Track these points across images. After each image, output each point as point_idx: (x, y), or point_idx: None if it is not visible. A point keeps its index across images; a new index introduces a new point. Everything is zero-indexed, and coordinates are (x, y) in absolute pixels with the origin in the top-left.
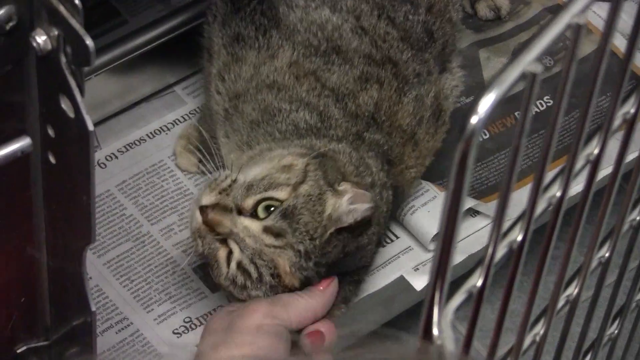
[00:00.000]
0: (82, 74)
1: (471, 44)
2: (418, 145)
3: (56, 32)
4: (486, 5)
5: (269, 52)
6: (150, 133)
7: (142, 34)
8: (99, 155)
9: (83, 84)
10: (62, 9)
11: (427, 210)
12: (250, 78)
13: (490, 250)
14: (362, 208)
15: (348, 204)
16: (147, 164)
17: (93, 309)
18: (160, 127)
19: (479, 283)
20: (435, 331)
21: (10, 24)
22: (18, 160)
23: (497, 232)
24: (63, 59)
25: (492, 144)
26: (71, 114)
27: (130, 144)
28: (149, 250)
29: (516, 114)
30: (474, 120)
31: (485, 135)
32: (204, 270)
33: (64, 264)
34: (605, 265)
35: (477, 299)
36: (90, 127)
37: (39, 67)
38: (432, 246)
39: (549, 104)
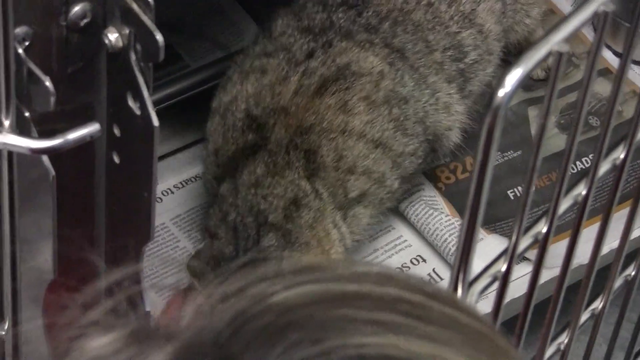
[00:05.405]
0: (150, 71)
1: (521, 102)
2: None
3: (127, 30)
4: (539, 66)
5: None
6: None
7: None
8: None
9: (151, 80)
10: (134, 6)
11: None
12: None
13: (513, 238)
14: None
15: None
16: (202, 200)
17: (148, 309)
18: None
19: (504, 268)
20: None
21: (84, 20)
22: (84, 149)
23: (520, 223)
24: (133, 57)
25: (537, 196)
26: (137, 111)
27: (186, 181)
28: None
29: None
30: (500, 93)
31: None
32: None
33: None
34: None
35: (501, 283)
36: (156, 122)
37: (109, 65)
38: None
39: None
